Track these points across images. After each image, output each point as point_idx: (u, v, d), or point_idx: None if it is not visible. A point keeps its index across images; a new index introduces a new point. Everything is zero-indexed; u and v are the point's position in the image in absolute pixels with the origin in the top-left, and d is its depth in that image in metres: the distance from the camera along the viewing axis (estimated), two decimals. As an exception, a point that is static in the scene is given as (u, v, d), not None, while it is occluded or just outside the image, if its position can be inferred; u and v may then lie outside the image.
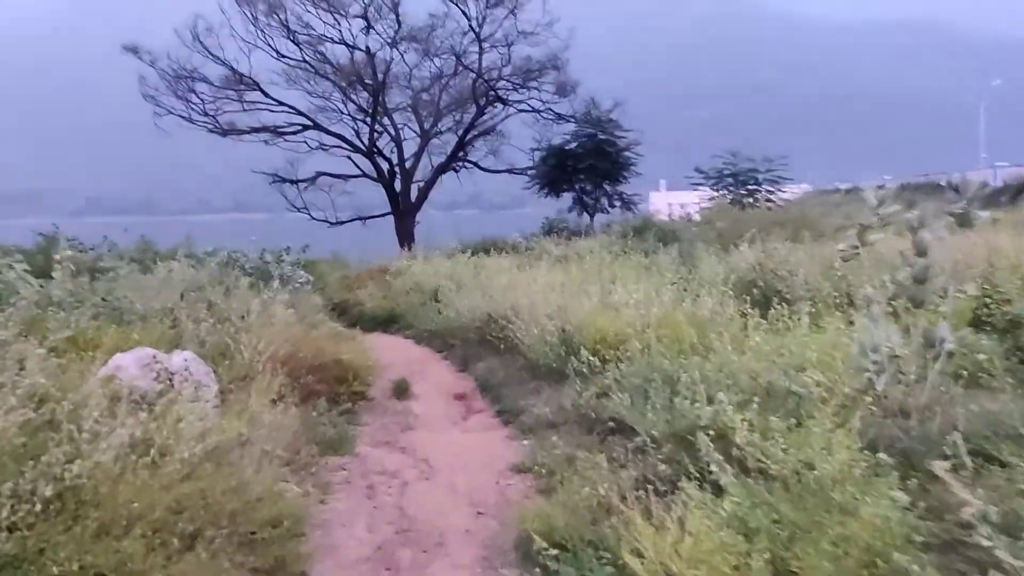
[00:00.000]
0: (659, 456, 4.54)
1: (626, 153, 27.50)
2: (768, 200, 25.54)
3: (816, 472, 3.53)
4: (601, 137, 27.30)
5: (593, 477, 4.45)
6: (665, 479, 4.17)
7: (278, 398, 6.62)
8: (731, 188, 26.39)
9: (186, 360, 6.83)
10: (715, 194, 26.45)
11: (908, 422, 4.08)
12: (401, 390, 8.59)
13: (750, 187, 26.36)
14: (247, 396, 6.24)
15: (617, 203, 28.23)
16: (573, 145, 27.85)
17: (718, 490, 3.79)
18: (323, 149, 29.50)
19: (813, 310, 6.58)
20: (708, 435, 4.30)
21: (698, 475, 4.01)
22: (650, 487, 3.95)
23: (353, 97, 29.77)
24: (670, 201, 37.07)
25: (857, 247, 4.93)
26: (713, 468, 3.72)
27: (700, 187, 27.19)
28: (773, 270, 9.02)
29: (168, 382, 6.30)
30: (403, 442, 6.79)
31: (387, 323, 14.84)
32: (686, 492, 3.73)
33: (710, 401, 4.83)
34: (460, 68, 30.30)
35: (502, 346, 9.00)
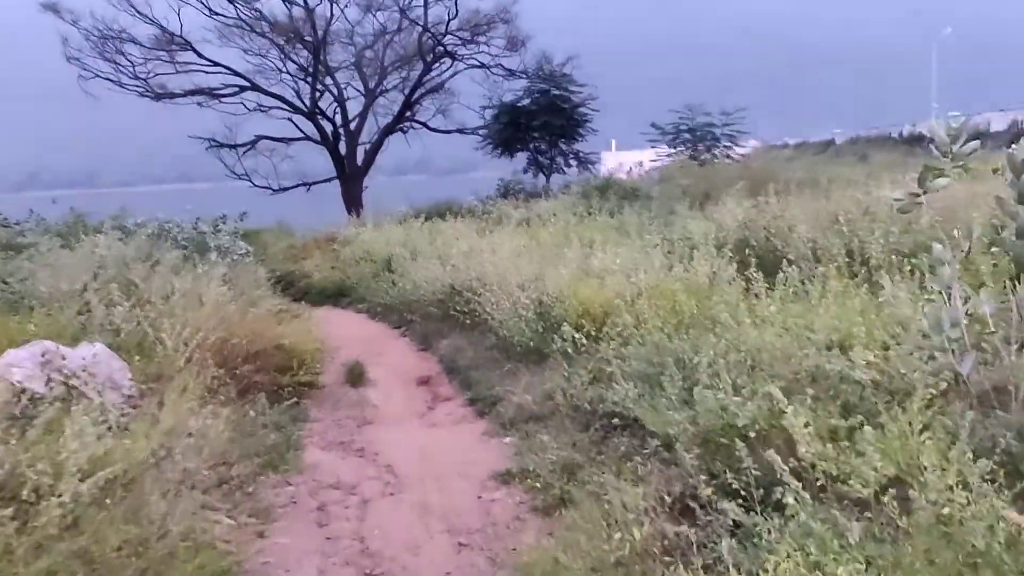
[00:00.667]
0: (686, 466, 3.55)
1: (581, 109, 26.42)
2: (727, 156, 24.80)
3: (929, 498, 2.59)
4: (555, 93, 26.17)
5: (606, 497, 3.47)
6: (704, 501, 3.20)
7: (208, 396, 5.53)
8: (688, 144, 25.52)
9: (95, 355, 5.68)
10: (671, 151, 25.57)
11: (1009, 415, 3.19)
12: (355, 376, 7.51)
13: (707, 142, 25.53)
14: (168, 397, 5.12)
15: (573, 162, 27.23)
16: (526, 102, 26.66)
17: (780, 510, 2.89)
18: (262, 110, 27.76)
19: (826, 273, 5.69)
20: (748, 438, 3.41)
21: (743, 495, 3.09)
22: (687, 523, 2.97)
23: (292, 56, 28.03)
24: (621, 161, 36.12)
25: (919, 195, 3.99)
26: (779, 492, 2.79)
27: (656, 144, 26.25)
28: (767, 227, 8.12)
29: (67, 384, 5.18)
30: (360, 442, 5.75)
31: (337, 296, 13.70)
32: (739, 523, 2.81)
33: (736, 391, 3.92)
34: (405, 23, 28.70)
35: (468, 321, 7.99)
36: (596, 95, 26.36)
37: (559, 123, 25.81)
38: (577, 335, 5.61)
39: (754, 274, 5.88)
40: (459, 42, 28.81)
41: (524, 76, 29.00)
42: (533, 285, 7.08)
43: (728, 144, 25.70)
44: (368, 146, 29.75)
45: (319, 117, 28.13)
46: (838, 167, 23.22)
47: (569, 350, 5.64)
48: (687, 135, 25.61)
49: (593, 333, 5.76)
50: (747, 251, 7.58)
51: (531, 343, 6.57)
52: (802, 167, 24.34)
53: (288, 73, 28.19)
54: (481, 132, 29.68)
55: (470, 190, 24.84)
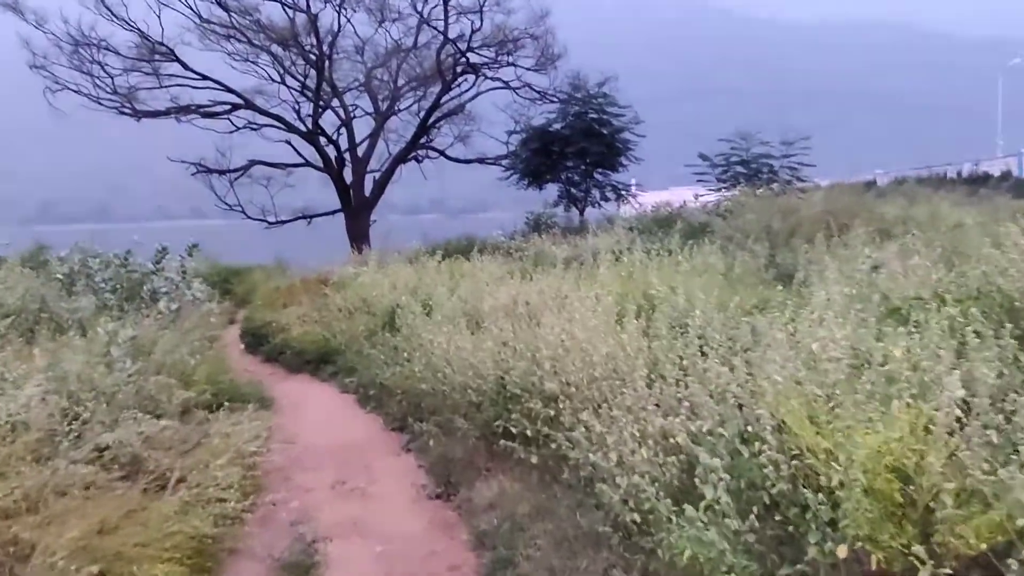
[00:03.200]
0: None
1: (623, 135, 22.73)
2: (800, 191, 20.90)
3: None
4: (592, 116, 22.54)
5: None
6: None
7: None
8: (743, 178, 21.69)
9: None
10: (720, 186, 21.71)
11: None
12: None
13: (764, 176, 21.64)
14: None
15: (611, 195, 23.46)
16: (559, 126, 23.03)
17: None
18: (253, 128, 24.13)
19: None
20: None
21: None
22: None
23: (292, 70, 24.58)
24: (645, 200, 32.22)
25: None
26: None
27: (703, 178, 22.42)
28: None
29: None
30: None
31: (319, 362, 9.92)
32: None
33: None
34: (423, 37, 25.33)
35: (535, 455, 4.11)
36: (640, 119, 22.68)
37: (598, 150, 22.12)
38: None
39: None
40: (484, 60, 25.36)
41: (555, 99, 25.56)
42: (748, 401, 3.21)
43: (789, 178, 21.78)
44: (377, 175, 26.16)
45: (320, 138, 24.54)
46: (936, 207, 19.38)
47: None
48: (740, 167, 21.79)
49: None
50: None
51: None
52: (893, 206, 20.45)
53: (286, 86, 24.69)
54: (504, 162, 26.18)
55: (495, 226, 21.18)
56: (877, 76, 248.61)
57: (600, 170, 23.31)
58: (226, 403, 6.31)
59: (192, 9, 22.26)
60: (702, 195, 22.17)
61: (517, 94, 26.53)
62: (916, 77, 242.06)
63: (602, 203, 23.73)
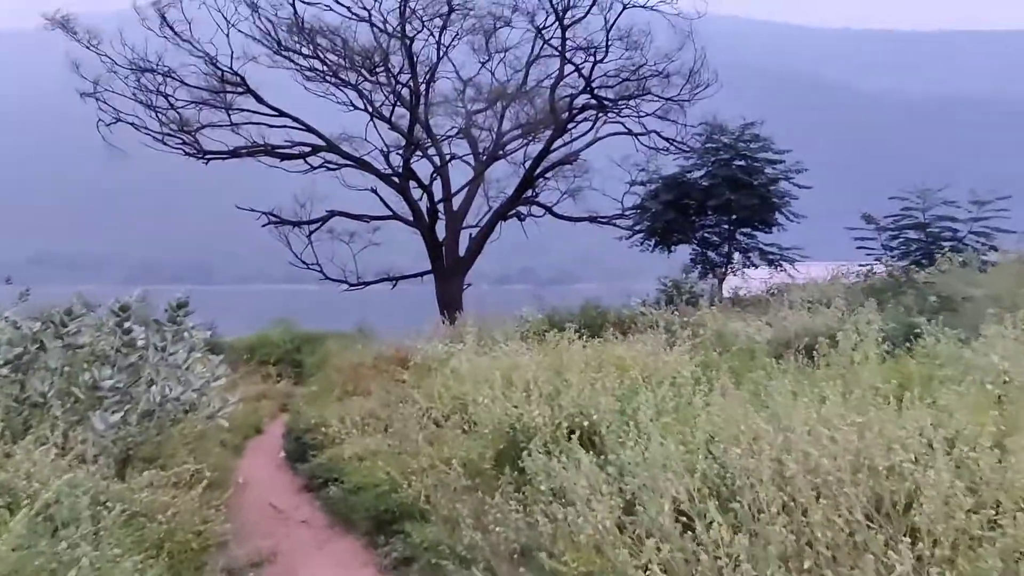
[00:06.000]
0: None
1: (779, 185, 18.23)
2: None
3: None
4: (739, 164, 18.23)
5: None
6: None
7: None
8: (918, 245, 16.64)
9: None
10: (886, 254, 16.77)
11: None
12: None
13: (945, 243, 16.45)
14: None
15: (759, 261, 18.87)
16: (699, 174, 18.81)
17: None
18: (329, 169, 20.73)
19: None
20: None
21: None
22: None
23: (382, 109, 21.25)
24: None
25: None
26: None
27: (865, 244, 17.50)
28: None
29: None
30: None
31: (381, 522, 5.65)
32: None
33: None
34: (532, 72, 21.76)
35: None
36: (803, 166, 18.22)
37: (748, 203, 17.72)
38: None
39: None
40: (609, 98, 21.58)
41: (686, 147, 21.53)
42: None
43: (980, 244, 16.51)
44: (473, 232, 22.43)
45: (412, 188, 21.00)
46: None
47: None
48: (913, 232, 16.78)
49: None
50: None
51: None
52: None
53: (374, 124, 21.28)
54: (620, 220, 22.19)
55: (616, 295, 16.85)
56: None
57: (744, 230, 18.95)
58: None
59: (270, 35, 19.32)
60: (866, 266, 17.21)
61: (640, 141, 22.60)
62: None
63: (744, 270, 19.28)
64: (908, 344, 7.23)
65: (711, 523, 2.89)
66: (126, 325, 5.64)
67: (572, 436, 4.56)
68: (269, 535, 5.98)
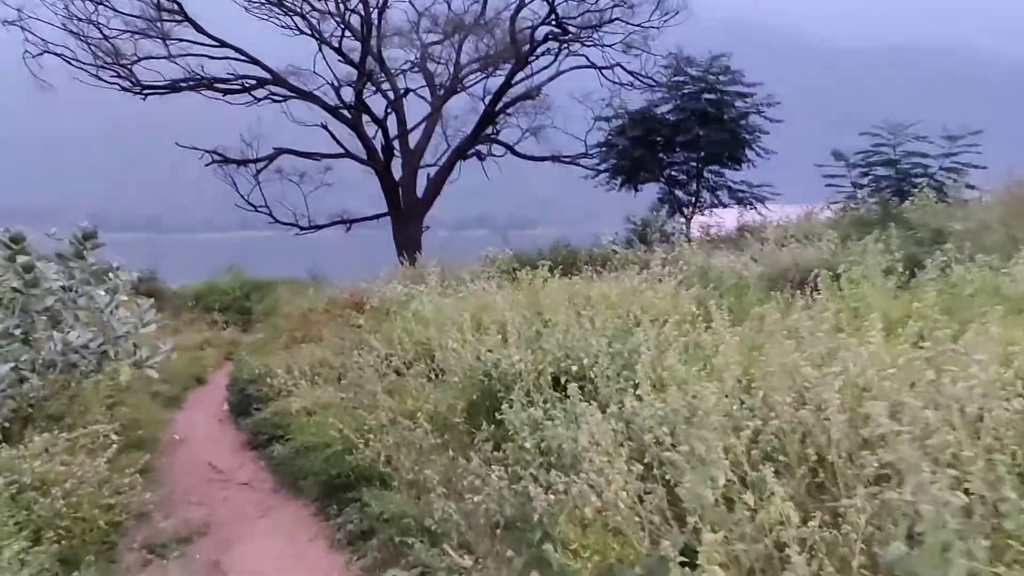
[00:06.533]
0: None
1: (749, 119, 17.45)
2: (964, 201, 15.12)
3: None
4: (708, 97, 17.38)
5: None
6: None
7: None
8: (886, 181, 16.07)
9: None
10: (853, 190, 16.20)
11: None
12: None
13: (914, 179, 15.90)
14: None
15: (729, 200, 18.18)
16: (666, 109, 17.95)
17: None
18: (274, 100, 19.33)
19: None
20: None
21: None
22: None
23: (331, 40, 19.84)
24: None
25: None
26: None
27: (834, 182, 16.91)
28: None
29: None
30: None
31: (333, 489, 4.80)
32: None
33: None
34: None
35: None
36: (775, 99, 17.44)
37: (719, 139, 16.94)
38: None
39: None
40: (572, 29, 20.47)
41: (653, 82, 20.60)
42: None
43: (952, 180, 15.98)
44: (432, 171, 21.34)
45: (365, 123, 19.74)
46: None
47: None
48: (881, 168, 16.20)
49: None
50: None
51: None
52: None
53: (322, 54, 19.86)
54: (584, 160, 21.29)
55: (582, 238, 16.04)
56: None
57: (712, 167, 18.20)
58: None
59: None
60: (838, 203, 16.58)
61: (604, 76, 21.58)
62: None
63: (713, 210, 18.58)
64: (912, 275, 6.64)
65: (768, 495, 2.16)
66: (22, 260, 4.67)
67: (559, 384, 3.81)
68: (203, 502, 5.16)
